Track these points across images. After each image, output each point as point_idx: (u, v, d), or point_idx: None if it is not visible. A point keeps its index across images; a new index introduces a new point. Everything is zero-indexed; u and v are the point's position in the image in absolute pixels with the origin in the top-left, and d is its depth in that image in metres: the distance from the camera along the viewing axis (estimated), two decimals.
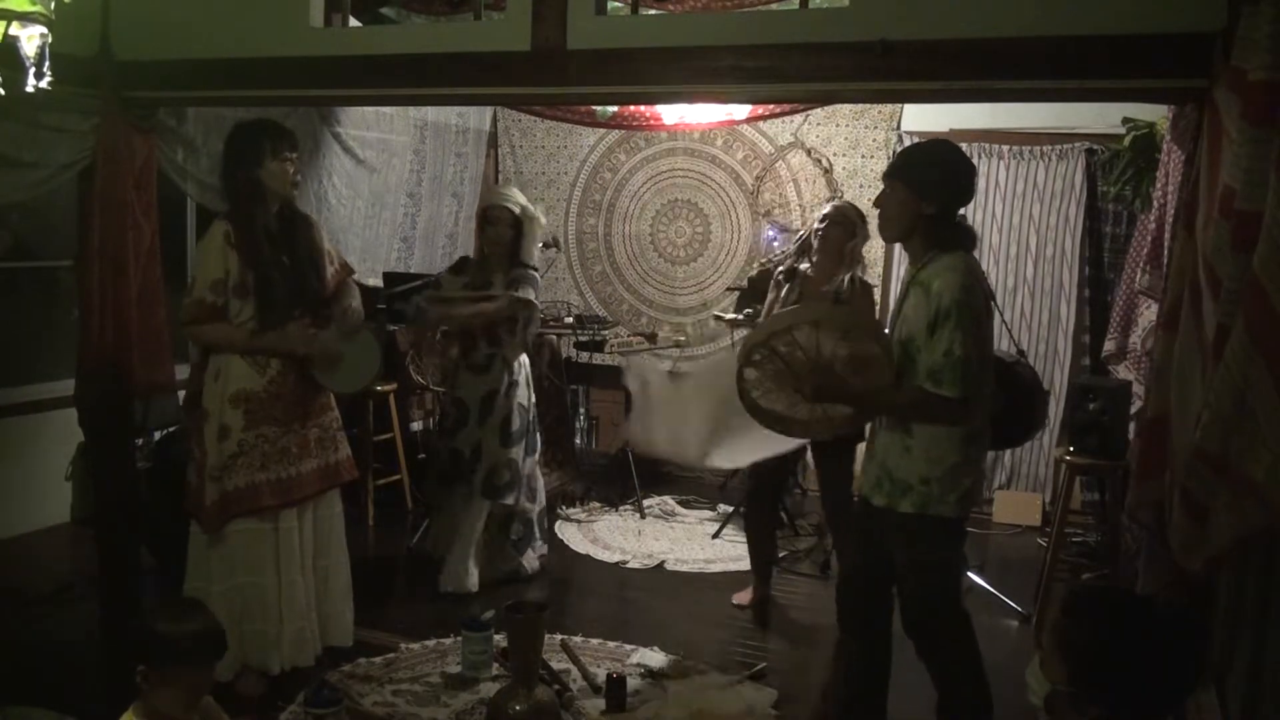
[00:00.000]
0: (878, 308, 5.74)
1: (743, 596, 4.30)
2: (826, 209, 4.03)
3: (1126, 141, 4.74)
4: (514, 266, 4.22)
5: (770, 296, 4.16)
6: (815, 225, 4.00)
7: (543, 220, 4.34)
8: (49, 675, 3.41)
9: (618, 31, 2.94)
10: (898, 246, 3.31)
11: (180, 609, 2.31)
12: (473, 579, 4.26)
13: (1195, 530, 2.01)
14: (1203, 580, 2.24)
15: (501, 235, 4.19)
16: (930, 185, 2.67)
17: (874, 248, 5.90)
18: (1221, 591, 2.39)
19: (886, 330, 2.83)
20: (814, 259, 4.00)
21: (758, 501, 4.29)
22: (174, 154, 4.02)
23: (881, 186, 2.79)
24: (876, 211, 2.80)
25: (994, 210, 5.63)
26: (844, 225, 3.91)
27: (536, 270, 4.34)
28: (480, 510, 4.29)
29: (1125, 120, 4.73)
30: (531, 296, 4.21)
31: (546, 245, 4.45)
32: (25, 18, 1.87)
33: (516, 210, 4.21)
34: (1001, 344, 3.35)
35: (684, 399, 3.63)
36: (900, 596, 2.79)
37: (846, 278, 3.92)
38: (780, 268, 4.15)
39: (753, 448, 3.56)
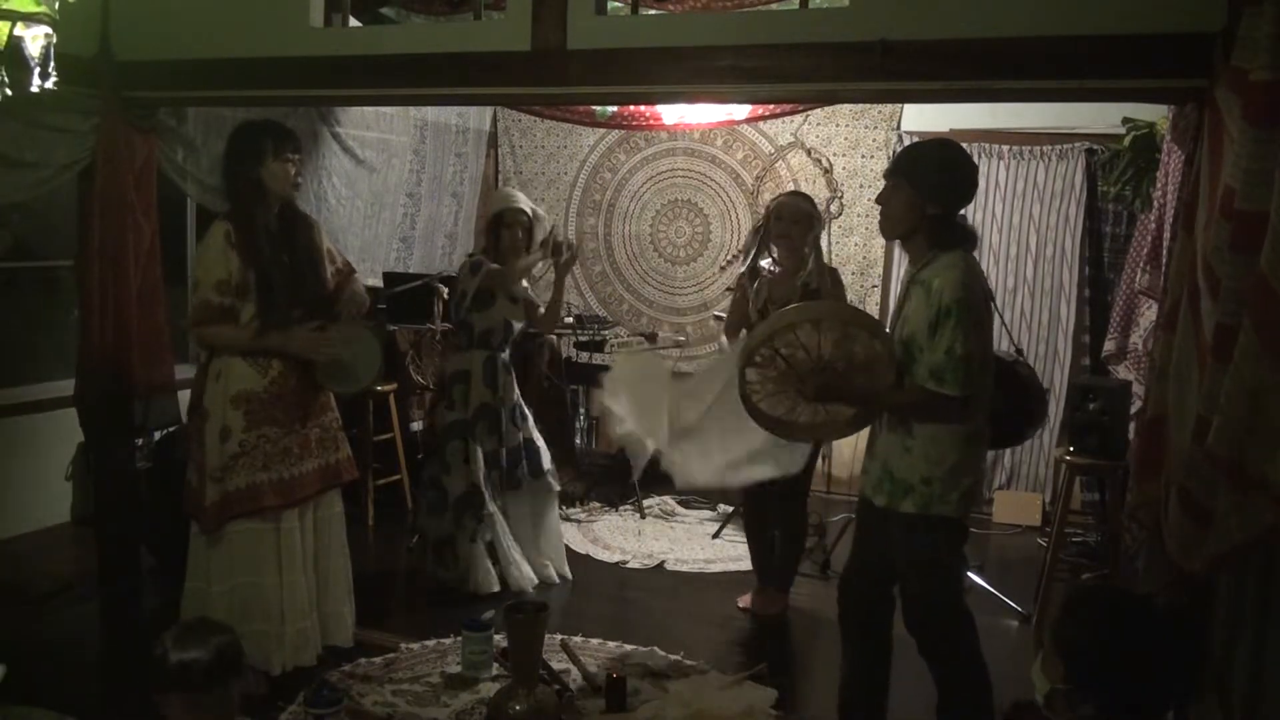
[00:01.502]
0: (878, 308, 5.76)
1: (747, 600, 4.29)
2: (775, 205, 3.98)
3: (1126, 141, 4.74)
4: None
5: (735, 296, 4.14)
6: (772, 225, 3.93)
7: (547, 220, 4.34)
8: (49, 675, 3.41)
9: (618, 31, 2.94)
10: (898, 247, 3.32)
11: (189, 633, 2.19)
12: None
13: (1195, 531, 2.01)
14: (1202, 581, 2.24)
15: (519, 238, 4.21)
16: (934, 185, 2.66)
17: (874, 247, 5.92)
18: (1221, 591, 2.39)
19: (888, 329, 2.83)
20: (774, 256, 3.99)
21: (754, 502, 4.29)
22: (174, 154, 4.02)
23: (881, 187, 2.79)
24: (878, 209, 2.80)
25: (994, 210, 5.63)
26: (803, 222, 3.89)
27: None
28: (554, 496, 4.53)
29: (1125, 120, 4.73)
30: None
31: (560, 247, 4.32)
32: (30, 18, 1.88)
33: (530, 213, 4.23)
34: (1001, 344, 3.35)
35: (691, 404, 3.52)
36: (902, 597, 2.79)
37: (812, 264, 3.89)
38: (742, 268, 4.11)
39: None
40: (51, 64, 1.92)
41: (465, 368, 4.20)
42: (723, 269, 6.26)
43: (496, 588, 4.20)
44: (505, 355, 4.26)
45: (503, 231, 4.19)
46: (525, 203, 4.26)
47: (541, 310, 4.34)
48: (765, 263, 4.02)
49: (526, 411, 4.43)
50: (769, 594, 4.22)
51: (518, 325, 4.27)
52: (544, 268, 5.87)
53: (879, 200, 2.78)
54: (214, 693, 2.14)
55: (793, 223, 3.88)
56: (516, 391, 4.37)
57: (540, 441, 4.43)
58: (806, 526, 4.42)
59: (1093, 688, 1.67)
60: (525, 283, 4.33)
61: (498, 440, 4.24)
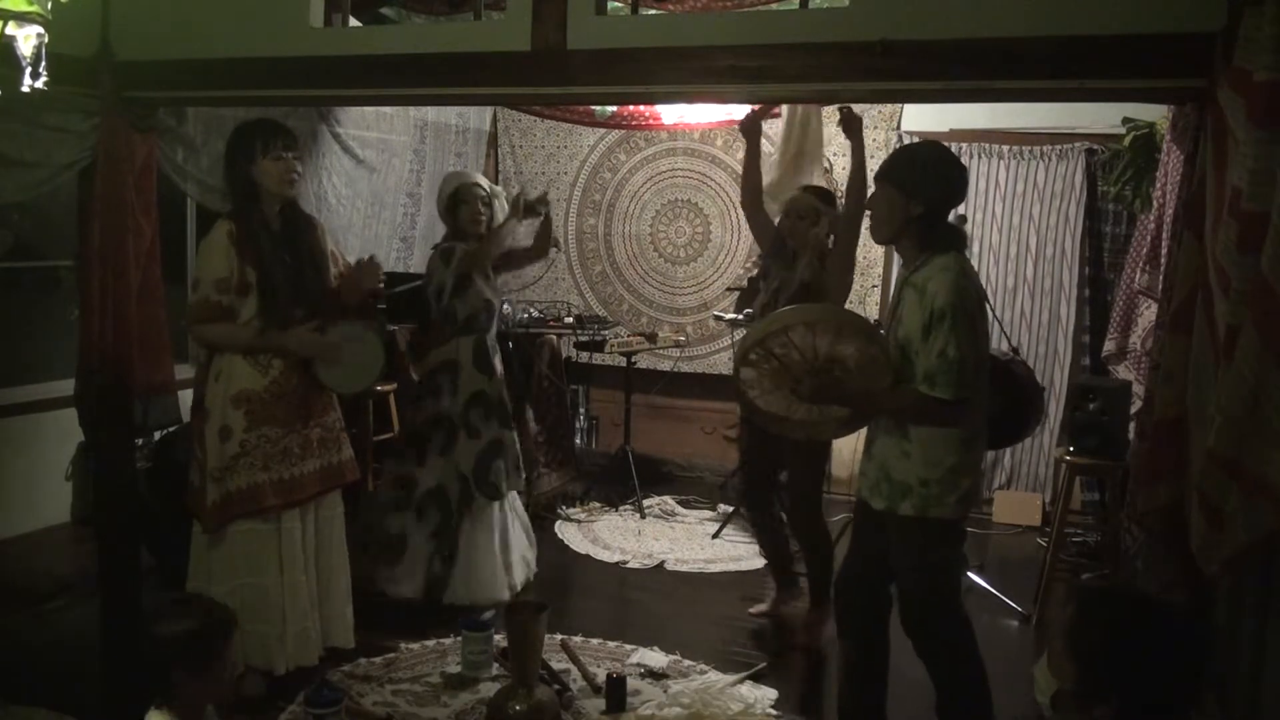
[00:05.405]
0: (878, 308, 5.76)
1: (759, 608, 4.22)
2: (789, 201, 3.99)
3: (1126, 141, 4.74)
4: None
5: (761, 299, 4.14)
6: (782, 221, 3.96)
7: (504, 202, 4.25)
8: (49, 675, 3.41)
9: (618, 31, 2.94)
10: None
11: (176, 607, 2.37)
12: None
13: (1211, 533, 2.00)
14: (1206, 582, 2.24)
15: (479, 213, 4.13)
16: (917, 185, 2.67)
17: (874, 247, 5.89)
18: (1222, 591, 2.38)
19: (883, 331, 2.83)
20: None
21: (752, 500, 4.27)
22: (174, 154, 4.01)
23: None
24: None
25: (994, 210, 5.62)
26: (808, 217, 3.90)
27: None
28: None
29: (1125, 120, 4.73)
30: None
31: (532, 206, 4.30)
32: (22, 17, 1.87)
33: (486, 189, 4.19)
34: (1000, 345, 3.35)
35: None
36: (900, 597, 2.79)
37: (808, 256, 3.87)
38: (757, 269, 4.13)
39: None
40: (43, 63, 1.92)
41: (453, 357, 4.08)
42: (745, 270, 6.24)
43: (461, 599, 3.94)
44: (492, 336, 4.18)
45: (460, 209, 4.12)
46: (480, 179, 4.22)
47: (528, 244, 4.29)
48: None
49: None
50: (787, 599, 4.16)
51: (498, 303, 4.21)
52: (544, 266, 5.90)
53: (867, 206, 2.80)
54: (216, 660, 2.25)
55: (798, 218, 3.91)
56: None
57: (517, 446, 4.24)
58: (826, 535, 4.07)
59: (1109, 690, 1.66)
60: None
61: (497, 425, 4.09)
